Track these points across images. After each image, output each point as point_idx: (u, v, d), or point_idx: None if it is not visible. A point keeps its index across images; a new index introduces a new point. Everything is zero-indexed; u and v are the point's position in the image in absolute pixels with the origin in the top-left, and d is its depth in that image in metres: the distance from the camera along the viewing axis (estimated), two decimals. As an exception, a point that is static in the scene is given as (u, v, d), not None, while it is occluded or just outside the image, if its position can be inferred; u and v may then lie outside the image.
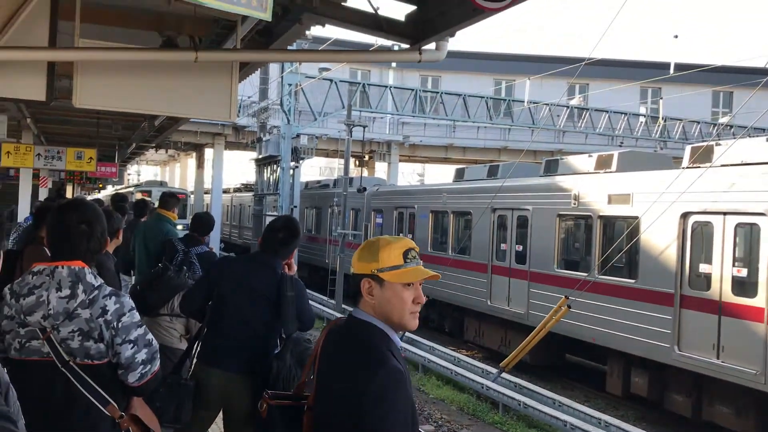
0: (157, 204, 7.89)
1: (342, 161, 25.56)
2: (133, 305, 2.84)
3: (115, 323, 2.72)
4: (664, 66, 32.02)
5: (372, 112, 28.64)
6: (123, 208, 8.84)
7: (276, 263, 4.41)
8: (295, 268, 4.62)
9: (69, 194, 27.55)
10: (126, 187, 42.09)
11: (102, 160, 19.50)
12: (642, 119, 32.41)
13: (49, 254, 2.91)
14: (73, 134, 17.76)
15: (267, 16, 3.18)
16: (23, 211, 18.15)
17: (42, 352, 2.70)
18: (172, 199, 7.65)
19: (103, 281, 2.85)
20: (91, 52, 4.89)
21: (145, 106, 5.57)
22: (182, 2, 3.41)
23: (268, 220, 26.15)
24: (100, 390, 2.71)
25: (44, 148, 15.93)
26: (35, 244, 4.88)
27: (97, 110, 10.55)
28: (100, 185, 37.35)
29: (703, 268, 10.51)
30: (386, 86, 29.08)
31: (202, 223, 6.74)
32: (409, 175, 56.99)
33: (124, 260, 7.37)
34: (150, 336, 2.86)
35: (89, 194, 36.57)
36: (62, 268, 2.77)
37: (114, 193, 19.41)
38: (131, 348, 2.74)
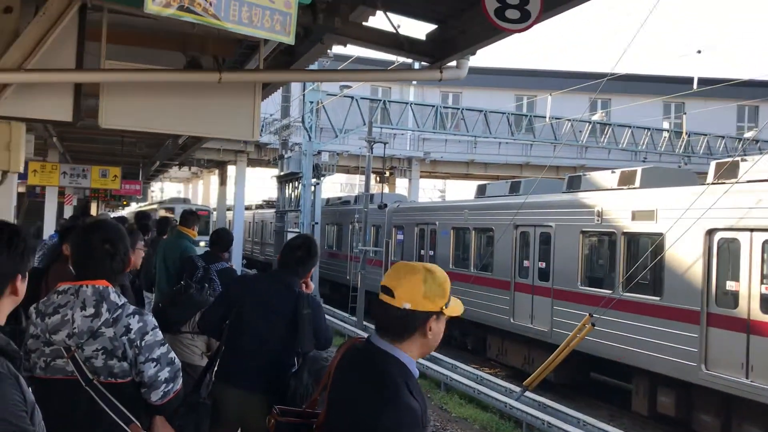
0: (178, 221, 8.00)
1: (363, 178, 25.62)
2: (156, 324, 2.86)
3: (138, 342, 2.74)
4: (688, 81, 31.75)
5: (393, 129, 28.71)
6: (146, 227, 8.92)
7: (293, 281, 4.42)
8: (312, 286, 4.65)
9: (93, 211, 27.90)
10: (149, 204, 42.54)
11: (126, 178, 19.76)
12: (665, 134, 32.12)
13: (74, 273, 2.95)
14: (98, 152, 18.03)
15: (290, 39, 3.21)
16: (48, 228, 18.42)
17: (66, 371, 2.73)
18: (191, 216, 7.73)
19: (126, 300, 2.87)
20: (117, 73, 4.96)
21: (169, 126, 5.63)
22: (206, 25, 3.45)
23: (289, 236, 26.25)
24: (123, 408, 2.72)
25: (70, 166, 16.18)
26: (60, 262, 4.93)
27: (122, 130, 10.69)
28: (124, 202, 37.82)
29: (730, 285, 10.34)
30: (407, 103, 29.16)
31: (222, 239, 6.75)
32: (429, 191, 56.94)
33: (147, 278, 7.44)
34: (172, 354, 2.87)
35: (113, 211, 37.02)
36: (87, 287, 2.80)
37: (137, 210, 19.61)
38: (154, 366, 2.76)
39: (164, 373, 2.79)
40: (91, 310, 2.75)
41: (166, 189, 68.18)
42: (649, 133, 31.18)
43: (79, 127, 10.31)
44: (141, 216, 10.51)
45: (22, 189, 23.12)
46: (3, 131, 4.84)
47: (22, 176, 15.14)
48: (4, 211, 9.13)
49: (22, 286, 1.99)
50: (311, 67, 7.90)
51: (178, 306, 5.54)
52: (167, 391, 2.80)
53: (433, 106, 28.64)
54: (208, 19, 3.03)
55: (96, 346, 2.72)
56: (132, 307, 2.83)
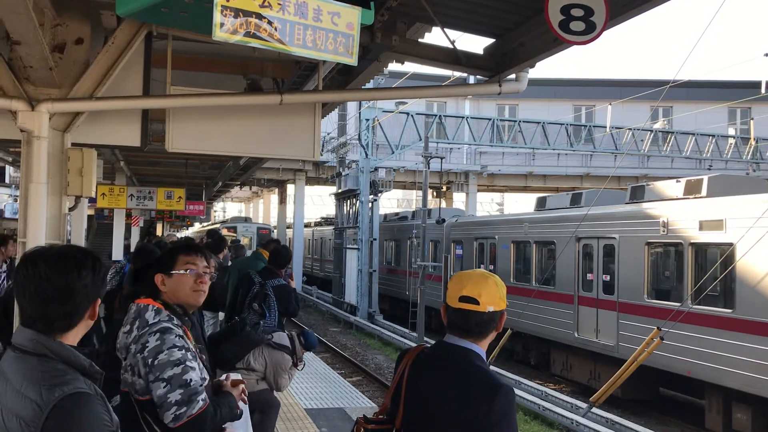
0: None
1: (420, 193, 25.61)
2: (179, 343, 2.77)
3: (150, 360, 2.72)
4: (753, 85, 30.71)
5: (449, 143, 28.65)
6: (219, 244, 9.21)
7: None
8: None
9: (159, 232, 28.69)
10: (212, 224, 43.47)
11: (190, 199, 20.24)
12: (731, 141, 31.10)
13: None
14: (163, 175, 18.55)
15: (354, 61, 3.25)
16: (117, 248, 19.01)
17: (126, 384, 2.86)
18: (272, 242, 8.04)
19: (165, 319, 2.85)
20: (182, 99, 5.11)
21: (233, 148, 5.76)
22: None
23: (349, 253, 26.44)
24: (155, 426, 2.74)
25: (136, 188, 16.67)
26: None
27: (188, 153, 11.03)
28: (188, 222, 38.74)
29: (808, 296, 9.91)
30: (463, 117, 29.08)
31: (279, 255, 6.78)
32: (487, 204, 56.52)
33: (219, 297, 7.58)
34: (189, 377, 2.73)
35: (178, 231, 37.98)
36: (134, 305, 2.93)
37: (209, 229, 20.05)
38: (163, 387, 2.70)
39: (174, 395, 2.69)
40: (127, 327, 2.87)
41: (228, 209, 69.67)
42: (714, 140, 30.26)
43: (145, 151, 10.68)
44: (213, 233, 10.85)
45: (90, 211, 23.98)
46: (76, 158, 5.03)
47: (92, 199, 15.70)
48: (77, 234, 9.50)
49: (97, 309, 2.06)
50: (368, 84, 7.97)
51: (234, 344, 5.47)
52: (178, 414, 2.69)
53: (490, 119, 28.48)
54: (274, 44, 3.10)
55: (128, 361, 2.82)
56: (162, 325, 2.80)
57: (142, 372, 2.74)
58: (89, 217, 26.21)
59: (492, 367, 2.50)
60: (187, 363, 2.76)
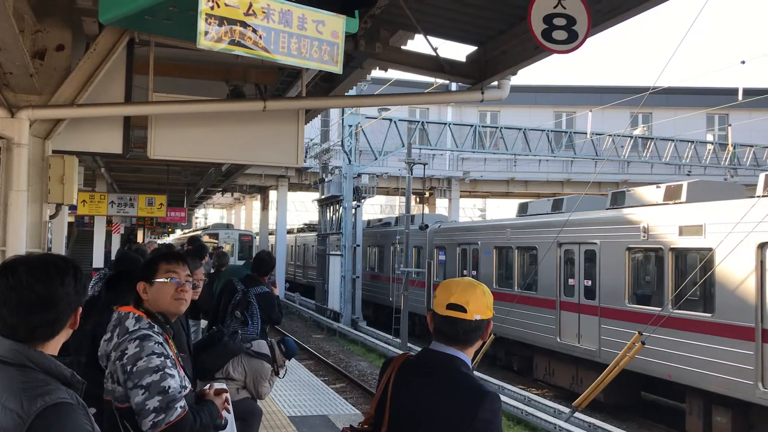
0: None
1: (403, 199, 25.65)
2: (158, 350, 2.76)
3: (129, 367, 2.71)
4: (731, 92, 31.13)
5: (432, 149, 28.73)
6: (200, 251, 9.17)
7: None
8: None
9: (140, 239, 28.47)
10: (194, 231, 43.19)
11: (171, 206, 20.11)
12: (710, 147, 31.48)
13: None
14: (144, 181, 18.43)
15: (338, 69, 3.26)
16: (98, 256, 18.84)
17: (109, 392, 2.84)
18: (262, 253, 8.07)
19: (146, 327, 2.82)
20: (164, 105, 5.09)
21: (216, 154, 5.74)
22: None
23: (332, 259, 26.40)
24: None
25: (117, 195, 16.54)
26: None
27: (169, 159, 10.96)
28: (170, 229, 38.48)
29: (786, 300, 10.04)
30: (445, 123, 29.19)
31: (262, 263, 6.70)
32: (469, 210, 56.69)
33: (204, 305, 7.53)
34: (167, 384, 2.72)
35: (159, 238, 37.71)
36: (115, 313, 2.94)
37: (191, 235, 19.92)
38: (142, 394, 2.68)
39: (153, 402, 2.67)
40: (108, 335, 2.87)
41: (209, 215, 69.28)
42: (693, 146, 30.61)
43: (127, 158, 10.62)
44: (194, 240, 10.79)
45: (71, 219, 23.73)
46: (57, 165, 4.99)
47: (72, 207, 15.54)
48: (57, 242, 9.40)
49: (78, 317, 2.05)
50: (351, 91, 7.99)
51: (212, 354, 5.44)
52: (156, 421, 2.67)
53: (472, 125, 28.60)
54: (259, 52, 3.10)
55: (109, 369, 2.82)
56: (141, 332, 2.78)
57: (121, 379, 2.73)
58: (69, 224, 25.96)
59: (475, 373, 2.50)
60: (166, 370, 2.74)
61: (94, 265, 17.30)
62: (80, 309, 2.03)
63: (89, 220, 21.67)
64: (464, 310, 2.41)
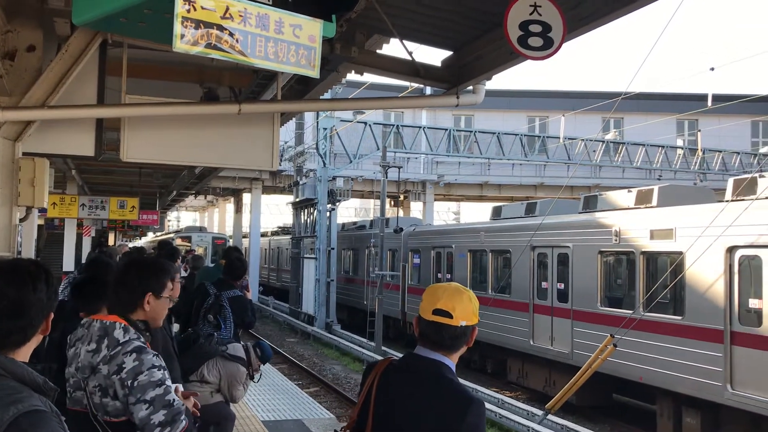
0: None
1: (377, 202, 25.67)
2: (156, 363, 2.74)
3: (129, 381, 2.66)
4: (700, 98, 31.71)
5: (406, 153, 28.81)
6: (172, 255, 9.09)
7: None
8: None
9: (111, 242, 28.11)
10: (166, 234, 42.77)
11: (143, 208, 19.89)
12: (680, 152, 31.99)
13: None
14: (116, 184, 18.22)
15: (315, 73, 3.25)
16: (68, 259, 18.57)
17: (83, 403, 2.75)
18: (231, 250, 8.02)
19: (134, 337, 2.79)
20: (137, 108, 5.04)
21: (190, 157, 5.69)
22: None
23: (306, 262, 26.31)
24: None
25: (88, 198, 16.33)
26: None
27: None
28: (141, 232, 38.06)
29: (753, 303, 10.21)
30: (420, 127, 29.28)
31: (235, 266, 6.65)
32: (444, 213, 56.90)
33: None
34: (171, 397, 2.72)
35: (131, 241, 37.28)
36: (96, 321, 2.83)
37: (161, 240, 19.72)
38: (146, 408, 2.64)
39: (158, 416, 2.65)
40: (93, 346, 2.75)
41: (182, 218, 68.68)
42: (663, 151, 31.08)
43: (99, 160, 10.50)
44: (165, 244, 10.66)
45: (40, 221, 23.34)
46: (27, 168, 4.91)
47: (42, 209, 15.29)
48: (27, 246, 9.26)
49: (50, 323, 2.02)
50: (326, 94, 7.98)
51: (187, 356, 5.37)
52: None
53: (446, 129, 28.74)
54: (236, 56, 3.08)
55: (95, 382, 2.70)
56: (135, 344, 2.74)
57: (120, 394, 2.67)
58: (39, 226, 25.54)
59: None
60: (167, 383, 2.74)
61: (65, 269, 17.05)
62: (52, 315, 2.00)
63: (59, 222, 21.35)
64: (450, 316, 2.40)
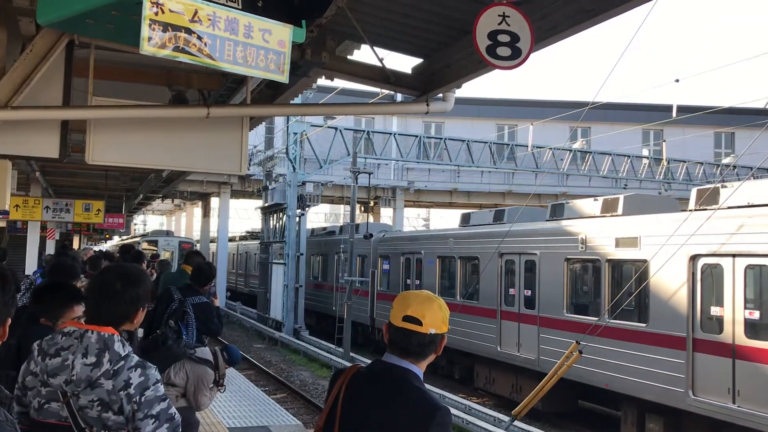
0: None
1: (348, 207, 25.64)
2: (158, 377, 2.74)
3: (137, 397, 2.62)
4: (666, 108, 32.28)
5: (377, 159, 28.84)
6: (136, 260, 8.95)
7: None
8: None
9: (75, 245, 27.64)
10: (132, 237, 42.17)
11: (109, 212, 19.61)
12: (645, 161, 32.53)
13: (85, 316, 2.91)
14: (82, 186, 17.92)
15: (284, 78, 3.24)
16: (31, 262, 18.20)
17: (61, 416, 2.63)
18: (193, 254, 7.91)
19: (131, 350, 2.76)
20: (104, 110, 4.96)
21: (157, 161, 5.63)
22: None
23: (275, 268, 26.16)
24: None
25: (53, 200, 16.05)
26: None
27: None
28: (107, 236, 37.50)
29: (715, 310, 10.42)
30: (390, 133, 29.36)
31: (201, 272, 6.57)
32: (413, 220, 57.09)
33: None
34: (173, 410, 2.74)
35: (95, 245, 36.69)
36: (92, 333, 2.70)
37: (123, 244, 19.46)
38: (152, 423, 2.63)
39: (162, 430, 2.65)
40: (92, 359, 2.64)
41: (148, 222, 67.80)
42: (629, 161, 31.57)
43: (64, 162, 10.30)
44: (129, 248, 10.50)
45: (2, 224, 22.89)
46: (-11, 169, 4.81)
47: (4, 212, 14.98)
48: (-12, 248, 9.05)
49: (7, 329, 1.97)
50: (296, 99, 7.96)
51: (155, 358, 5.31)
52: None
53: (417, 136, 28.86)
54: (204, 59, 3.06)
55: (92, 396, 2.62)
56: (135, 359, 2.71)
57: (126, 409, 2.61)
58: (0, 229, 25.03)
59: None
60: (168, 397, 2.76)
61: (27, 272, 16.71)
62: (9, 321, 1.96)
63: (22, 225, 20.94)
64: (420, 323, 2.41)
